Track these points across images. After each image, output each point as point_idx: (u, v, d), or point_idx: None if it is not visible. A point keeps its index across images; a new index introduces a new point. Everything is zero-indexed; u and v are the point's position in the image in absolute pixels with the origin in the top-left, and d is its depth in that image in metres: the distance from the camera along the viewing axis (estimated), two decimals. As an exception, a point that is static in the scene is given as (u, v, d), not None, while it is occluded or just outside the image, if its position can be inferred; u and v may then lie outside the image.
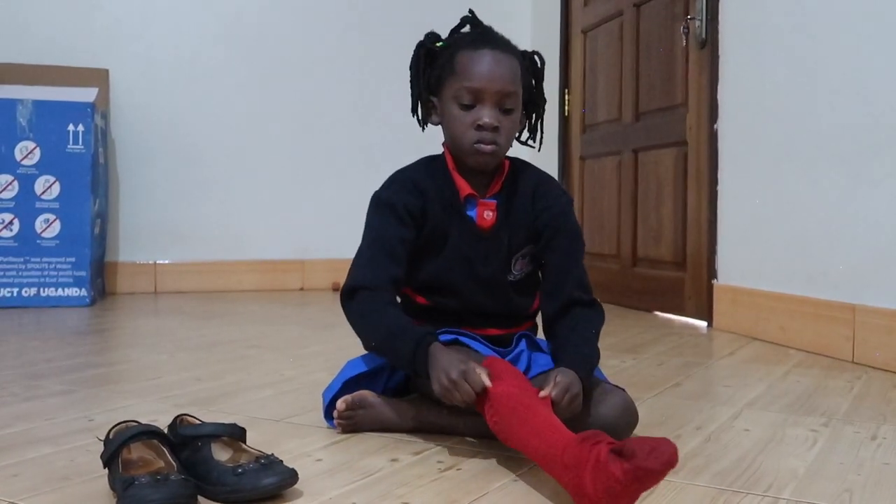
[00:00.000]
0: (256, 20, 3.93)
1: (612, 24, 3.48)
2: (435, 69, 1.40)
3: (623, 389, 1.35)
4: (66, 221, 3.28)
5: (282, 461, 1.08)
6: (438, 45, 1.41)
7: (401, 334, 1.29)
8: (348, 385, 1.40)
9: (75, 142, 3.29)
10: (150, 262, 3.80)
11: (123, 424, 1.17)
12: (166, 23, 3.80)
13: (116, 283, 3.73)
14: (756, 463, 1.23)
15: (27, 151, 3.26)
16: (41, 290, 3.26)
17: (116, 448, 1.08)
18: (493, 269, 1.41)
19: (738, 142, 2.62)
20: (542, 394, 1.17)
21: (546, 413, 1.12)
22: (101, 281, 3.57)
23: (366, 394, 1.38)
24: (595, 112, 3.65)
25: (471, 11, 1.44)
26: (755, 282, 2.52)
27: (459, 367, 1.19)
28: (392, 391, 1.44)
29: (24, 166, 3.26)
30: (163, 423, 1.23)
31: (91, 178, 3.31)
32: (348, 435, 1.37)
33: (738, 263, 2.63)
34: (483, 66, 1.33)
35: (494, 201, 1.40)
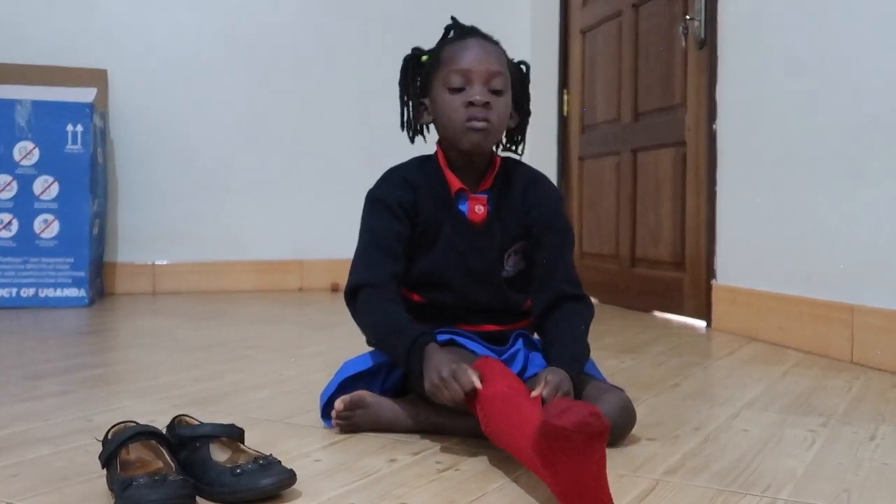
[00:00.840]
0: (255, 20, 3.93)
1: (611, 24, 3.48)
2: (425, 74, 1.44)
3: (621, 389, 1.35)
4: (65, 222, 3.28)
5: (280, 462, 1.08)
6: (424, 58, 1.46)
7: (399, 332, 1.31)
8: (345, 385, 1.41)
9: (74, 142, 3.28)
10: (149, 262, 3.80)
11: (122, 425, 1.17)
12: (165, 23, 3.80)
13: (115, 284, 3.73)
14: (754, 463, 1.23)
15: (26, 152, 3.26)
16: (40, 290, 3.26)
17: (115, 448, 1.08)
18: (486, 264, 1.43)
19: (737, 142, 2.62)
20: (534, 394, 1.18)
21: (532, 411, 1.12)
22: (99, 281, 3.56)
23: (364, 394, 1.38)
24: (594, 112, 3.65)
25: (452, 18, 1.48)
26: (754, 282, 2.52)
27: (450, 366, 1.21)
28: (390, 391, 1.44)
29: (22, 166, 3.26)
30: (161, 423, 1.23)
31: (90, 178, 3.31)
32: (347, 435, 1.37)
33: (736, 263, 2.63)
34: (470, 51, 1.37)
35: (485, 196, 1.43)
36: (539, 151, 3.98)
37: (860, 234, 2.09)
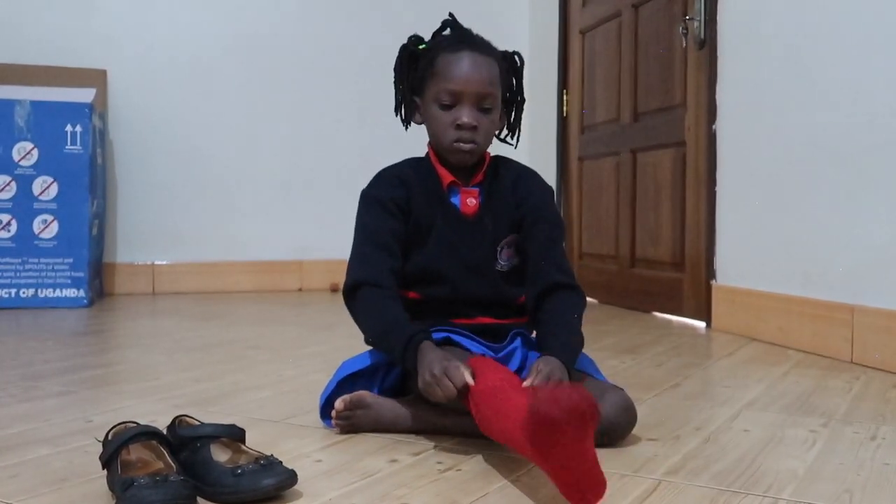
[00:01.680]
0: (254, 20, 3.93)
1: (611, 24, 3.48)
2: (418, 71, 1.45)
3: (622, 389, 1.35)
4: (64, 222, 3.28)
5: (281, 462, 1.08)
6: (421, 47, 1.46)
7: (395, 330, 1.32)
8: (344, 385, 1.41)
9: (73, 142, 3.28)
10: (148, 262, 3.79)
11: (122, 425, 1.16)
12: (164, 23, 3.80)
13: (114, 284, 3.73)
14: (756, 463, 1.23)
15: (25, 152, 3.26)
16: (39, 290, 3.25)
17: (115, 449, 1.08)
18: (479, 256, 1.44)
19: (737, 142, 2.62)
20: (525, 384, 1.19)
21: (522, 400, 1.12)
22: (98, 282, 3.56)
23: (364, 394, 1.38)
24: (593, 113, 3.65)
25: (451, 15, 1.49)
26: (754, 282, 2.52)
27: (442, 363, 1.21)
28: (389, 391, 1.44)
29: (21, 167, 3.26)
30: (161, 423, 1.23)
31: (89, 178, 3.31)
32: (347, 436, 1.37)
33: (736, 264, 2.63)
34: (462, 69, 1.39)
35: (476, 189, 1.46)
36: (538, 152, 3.98)
37: (860, 234, 2.08)
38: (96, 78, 3.60)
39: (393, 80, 1.50)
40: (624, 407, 1.31)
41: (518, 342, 1.43)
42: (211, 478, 1.06)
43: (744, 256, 2.59)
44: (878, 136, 2.03)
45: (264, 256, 3.94)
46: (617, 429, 1.31)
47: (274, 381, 1.83)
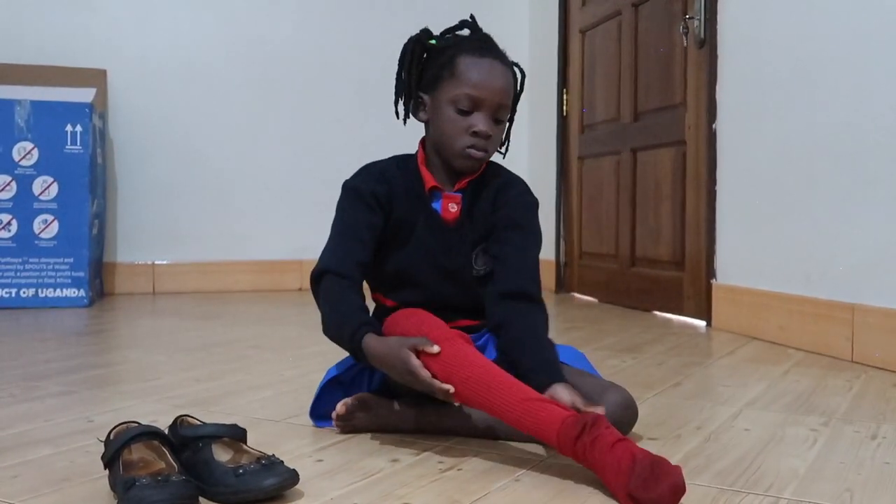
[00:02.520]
0: (254, 20, 3.93)
1: (611, 23, 3.48)
2: (431, 67, 1.41)
3: (622, 387, 1.35)
4: (65, 222, 3.28)
5: (282, 462, 1.08)
6: (432, 42, 1.42)
7: (344, 325, 1.30)
8: (333, 390, 1.42)
9: (73, 142, 3.28)
10: (149, 262, 3.80)
11: (124, 425, 1.16)
12: (164, 23, 3.80)
13: (115, 284, 3.73)
14: (756, 462, 1.23)
15: (25, 152, 3.26)
16: (39, 290, 3.25)
17: (117, 449, 1.08)
18: (456, 262, 1.43)
19: (737, 141, 2.62)
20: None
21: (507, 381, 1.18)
22: (99, 281, 3.56)
23: (366, 395, 1.39)
24: (593, 112, 3.65)
25: (472, 17, 1.45)
26: (754, 281, 2.53)
27: (401, 359, 1.20)
28: (377, 392, 1.43)
29: (22, 167, 3.26)
30: (163, 423, 1.23)
31: (89, 178, 3.31)
32: (348, 436, 1.37)
33: (736, 263, 2.63)
34: (486, 76, 1.36)
35: (459, 195, 1.43)
36: (538, 151, 3.98)
37: (860, 233, 2.09)
38: (96, 78, 3.59)
39: (397, 72, 1.45)
40: (625, 405, 1.31)
41: (490, 337, 1.42)
42: (212, 478, 1.06)
43: (744, 255, 2.59)
44: (878, 136, 2.03)
45: (264, 256, 3.94)
46: (618, 427, 1.29)
47: (275, 381, 1.83)
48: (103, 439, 1.14)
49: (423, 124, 1.46)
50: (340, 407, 1.36)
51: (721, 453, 1.28)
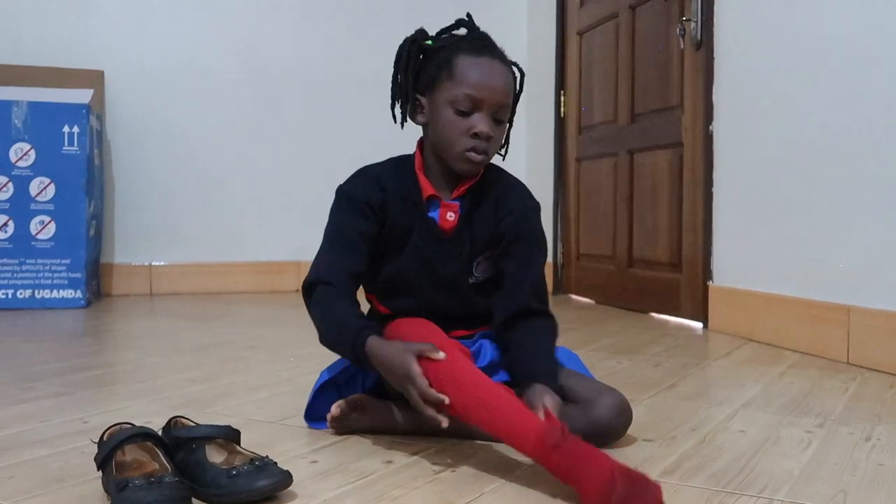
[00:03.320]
0: (252, 21, 3.93)
1: (608, 25, 3.48)
2: (428, 69, 1.37)
3: (617, 390, 1.34)
4: (62, 223, 3.27)
5: (276, 463, 1.08)
6: (428, 42, 1.39)
7: (344, 329, 1.27)
8: (327, 391, 1.41)
9: (70, 143, 3.28)
10: (146, 263, 3.79)
11: (118, 426, 1.16)
12: (161, 24, 3.79)
13: (112, 285, 3.73)
14: (751, 464, 1.23)
15: (22, 153, 3.26)
16: (36, 291, 3.25)
17: (111, 450, 1.08)
18: (452, 271, 1.40)
19: (734, 143, 2.62)
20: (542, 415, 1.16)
21: (501, 394, 1.15)
22: (96, 283, 3.56)
23: (361, 396, 1.38)
24: (590, 113, 3.65)
25: (468, 15, 1.42)
26: (750, 283, 2.53)
27: (403, 365, 1.18)
28: (371, 393, 1.42)
29: (18, 168, 3.25)
30: (157, 424, 1.23)
31: (86, 179, 3.30)
32: (343, 437, 1.37)
33: (733, 264, 2.63)
34: (485, 75, 1.32)
35: (457, 203, 1.39)
36: (536, 153, 3.98)
37: (856, 235, 2.09)
38: (93, 79, 3.59)
39: (392, 74, 1.41)
40: (620, 409, 1.31)
41: (484, 343, 1.40)
42: (206, 479, 1.06)
43: (740, 257, 2.59)
44: (874, 137, 2.03)
45: (262, 257, 3.94)
46: (612, 430, 1.30)
47: (270, 382, 1.83)
48: (97, 440, 1.14)
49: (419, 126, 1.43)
50: (335, 408, 1.36)
51: (716, 455, 1.28)
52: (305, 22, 4.00)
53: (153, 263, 3.80)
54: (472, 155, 1.33)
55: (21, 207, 3.25)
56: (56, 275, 3.26)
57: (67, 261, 3.27)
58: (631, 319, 3.02)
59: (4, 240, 3.24)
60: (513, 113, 1.43)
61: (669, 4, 3.02)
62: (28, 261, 3.25)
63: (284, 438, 1.36)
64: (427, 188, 1.39)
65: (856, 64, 2.09)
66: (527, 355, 1.33)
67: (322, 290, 1.33)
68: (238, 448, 1.15)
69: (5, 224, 3.24)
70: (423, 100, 1.38)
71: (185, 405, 1.60)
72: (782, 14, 2.38)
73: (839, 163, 2.14)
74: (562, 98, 3.87)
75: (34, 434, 1.40)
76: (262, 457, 1.08)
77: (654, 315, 3.11)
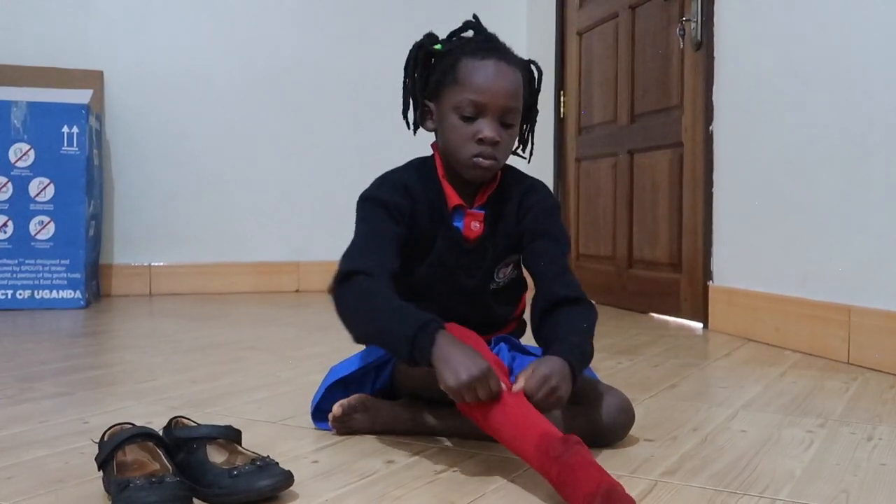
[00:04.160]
0: (252, 22, 3.92)
1: (608, 25, 3.48)
2: (435, 73, 1.35)
3: (619, 391, 1.34)
4: (61, 223, 3.27)
5: (277, 463, 1.08)
6: (437, 47, 1.36)
7: (401, 317, 1.18)
8: (334, 390, 1.40)
9: (70, 143, 3.28)
10: (145, 264, 3.79)
11: (118, 427, 1.16)
12: (161, 25, 3.79)
13: (111, 286, 3.72)
14: (753, 464, 1.23)
15: (21, 153, 3.25)
16: (35, 292, 3.25)
17: (111, 450, 1.07)
18: (474, 281, 1.39)
19: (734, 143, 2.62)
20: (515, 387, 1.13)
21: (517, 404, 1.11)
22: (95, 283, 3.56)
23: (363, 397, 1.38)
24: (590, 114, 3.65)
25: (475, 17, 1.40)
26: (750, 283, 2.53)
27: (480, 366, 1.09)
28: (379, 394, 1.42)
29: (18, 168, 3.25)
30: (158, 425, 1.23)
31: (85, 179, 3.30)
32: (344, 437, 1.36)
33: (733, 265, 2.63)
34: (488, 79, 1.29)
35: (482, 212, 1.37)
36: (535, 153, 3.96)
37: (857, 235, 2.09)
38: (93, 79, 3.59)
39: (403, 79, 1.39)
40: (622, 408, 1.31)
41: (503, 348, 1.37)
42: (207, 479, 1.05)
43: (741, 257, 2.59)
44: (874, 137, 2.03)
45: (262, 258, 3.94)
46: (614, 430, 1.30)
47: (271, 383, 1.83)
48: (98, 441, 1.14)
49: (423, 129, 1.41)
50: (336, 408, 1.35)
51: (717, 455, 1.28)
52: (305, 22, 4.00)
53: (153, 264, 3.80)
54: (480, 161, 1.30)
55: (20, 208, 3.24)
56: (55, 275, 3.26)
57: (67, 261, 3.27)
58: (631, 320, 3.02)
59: (4, 240, 3.23)
60: (534, 112, 1.41)
61: (669, 4, 3.02)
62: (27, 261, 3.24)
63: (286, 438, 1.36)
64: (453, 197, 1.36)
65: (856, 64, 2.09)
66: (554, 336, 1.27)
67: (363, 280, 1.25)
68: (239, 448, 1.15)
69: (5, 224, 3.24)
70: (432, 105, 1.37)
71: (186, 405, 1.60)
72: (782, 14, 2.38)
73: (839, 163, 2.14)
74: (561, 98, 3.87)
75: (34, 434, 1.39)
76: (263, 457, 1.08)
77: (654, 315, 3.11)
